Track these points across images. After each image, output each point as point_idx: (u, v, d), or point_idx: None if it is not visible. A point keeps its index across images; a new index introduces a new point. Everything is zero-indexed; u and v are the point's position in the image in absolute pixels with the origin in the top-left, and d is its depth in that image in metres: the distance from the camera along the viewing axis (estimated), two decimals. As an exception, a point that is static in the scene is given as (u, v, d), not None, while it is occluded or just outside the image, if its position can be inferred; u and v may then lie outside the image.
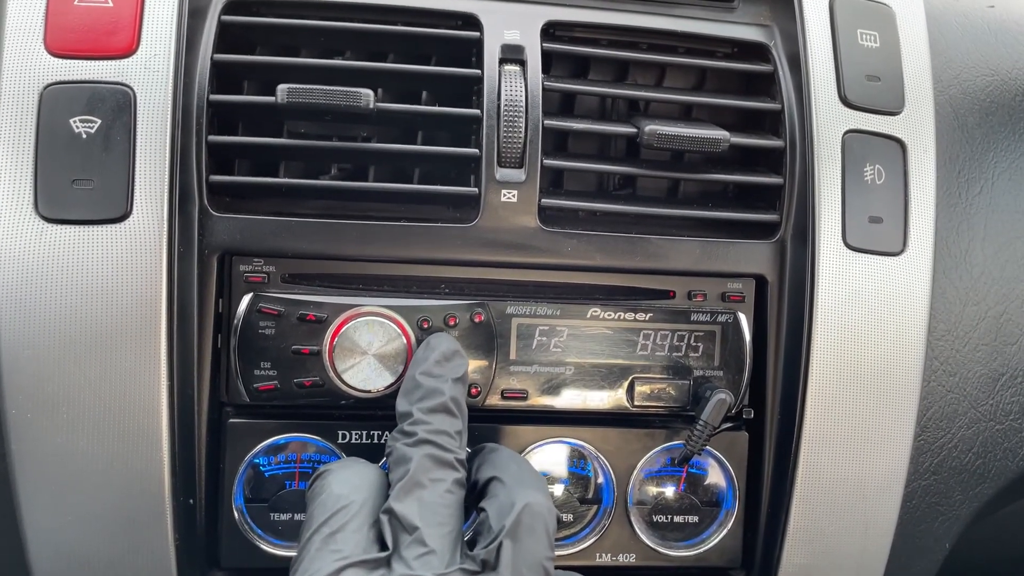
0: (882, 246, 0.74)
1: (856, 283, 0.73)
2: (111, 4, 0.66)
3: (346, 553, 0.54)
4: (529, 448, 0.74)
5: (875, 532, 0.76)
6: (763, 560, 0.77)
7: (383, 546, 0.56)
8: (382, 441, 0.72)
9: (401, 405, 0.63)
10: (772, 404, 0.75)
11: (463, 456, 0.61)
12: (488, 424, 0.73)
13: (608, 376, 0.74)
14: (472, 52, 0.72)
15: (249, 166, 0.73)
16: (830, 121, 0.74)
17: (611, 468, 0.75)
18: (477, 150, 0.69)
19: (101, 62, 0.65)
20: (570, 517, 0.76)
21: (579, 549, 0.76)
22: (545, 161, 0.70)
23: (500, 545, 0.56)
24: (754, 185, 0.77)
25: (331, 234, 0.68)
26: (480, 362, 0.72)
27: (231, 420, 0.70)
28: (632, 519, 0.76)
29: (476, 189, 0.69)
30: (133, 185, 0.64)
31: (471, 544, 0.59)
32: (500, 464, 0.63)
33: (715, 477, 0.78)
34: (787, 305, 0.74)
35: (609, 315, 0.74)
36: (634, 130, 0.72)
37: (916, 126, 0.77)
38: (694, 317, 0.75)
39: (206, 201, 0.67)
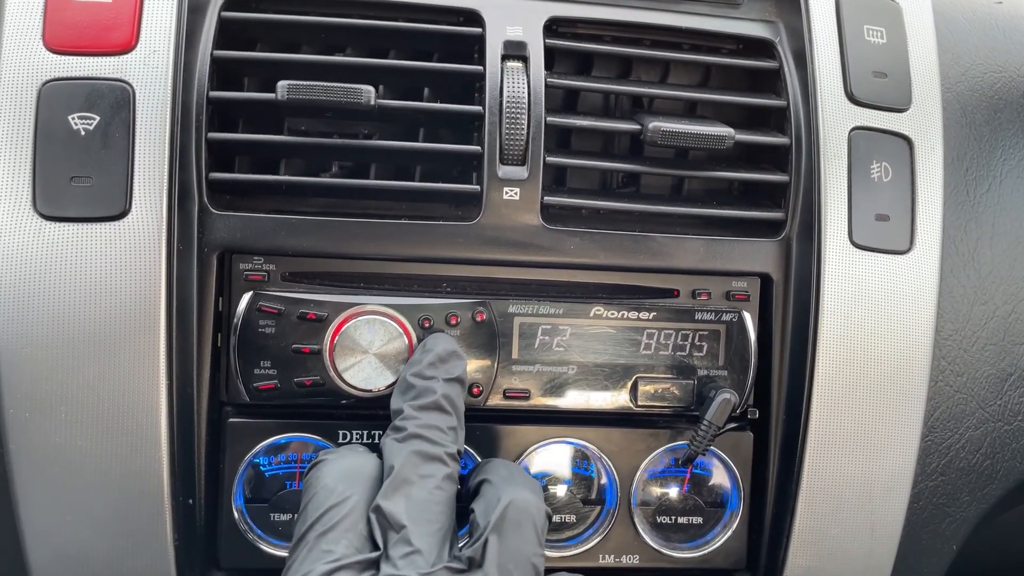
0: (889, 244, 0.74)
1: (863, 282, 0.73)
2: (110, 0, 0.66)
3: (338, 555, 0.54)
4: (531, 448, 0.74)
5: (882, 534, 0.76)
6: (768, 562, 0.76)
7: (376, 543, 0.56)
8: (382, 441, 0.72)
9: (394, 403, 0.64)
10: (777, 404, 0.75)
11: (454, 450, 0.61)
12: (490, 424, 0.73)
13: (611, 376, 0.74)
14: (474, 48, 0.72)
15: (249, 163, 0.73)
16: (836, 118, 0.74)
17: (614, 469, 0.75)
18: (479, 147, 0.69)
19: (100, 58, 0.65)
20: (573, 518, 0.76)
21: (582, 550, 0.75)
22: (548, 158, 0.70)
23: (486, 541, 0.55)
24: (759, 183, 0.76)
25: (332, 232, 0.68)
26: (482, 361, 0.72)
27: (231, 420, 0.70)
28: (636, 520, 0.75)
29: (478, 187, 0.69)
30: (132, 182, 0.64)
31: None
32: (491, 469, 0.63)
33: (719, 478, 0.77)
34: (793, 304, 0.74)
35: (612, 314, 0.73)
36: (638, 127, 0.71)
37: (923, 123, 0.76)
38: (698, 316, 0.74)
39: (206, 199, 0.66)
